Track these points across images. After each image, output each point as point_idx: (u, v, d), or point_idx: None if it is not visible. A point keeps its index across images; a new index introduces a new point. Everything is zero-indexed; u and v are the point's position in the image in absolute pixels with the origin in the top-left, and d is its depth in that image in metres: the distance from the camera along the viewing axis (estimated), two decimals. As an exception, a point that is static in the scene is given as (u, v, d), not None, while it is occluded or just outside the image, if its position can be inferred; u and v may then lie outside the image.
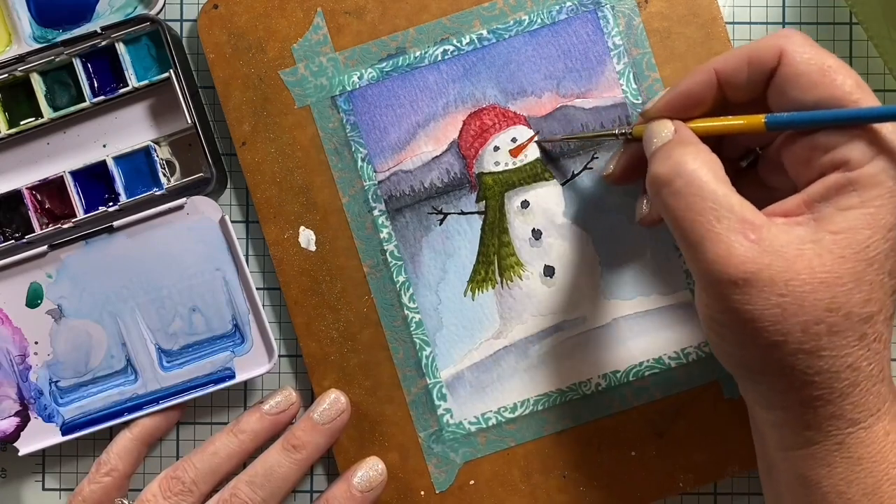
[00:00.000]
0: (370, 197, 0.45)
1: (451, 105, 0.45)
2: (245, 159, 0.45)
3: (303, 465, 0.44)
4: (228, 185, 0.47)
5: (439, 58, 0.45)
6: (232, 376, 0.45)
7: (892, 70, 0.44)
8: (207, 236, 0.45)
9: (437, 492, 0.45)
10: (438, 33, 0.45)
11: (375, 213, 0.45)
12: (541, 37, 0.45)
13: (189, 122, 0.45)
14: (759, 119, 0.36)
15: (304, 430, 0.44)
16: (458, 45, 0.45)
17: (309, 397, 0.47)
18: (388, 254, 0.45)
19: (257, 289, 0.46)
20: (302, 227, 0.46)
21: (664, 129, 0.38)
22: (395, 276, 0.45)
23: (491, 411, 0.45)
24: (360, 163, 0.45)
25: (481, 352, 0.45)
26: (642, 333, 0.45)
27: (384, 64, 0.45)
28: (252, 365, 0.45)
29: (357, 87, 0.45)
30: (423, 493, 0.45)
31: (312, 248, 0.46)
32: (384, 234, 0.45)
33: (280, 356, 0.47)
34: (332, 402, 0.45)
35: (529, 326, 0.45)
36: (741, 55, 0.37)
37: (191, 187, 0.46)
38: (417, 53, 0.45)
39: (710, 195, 0.34)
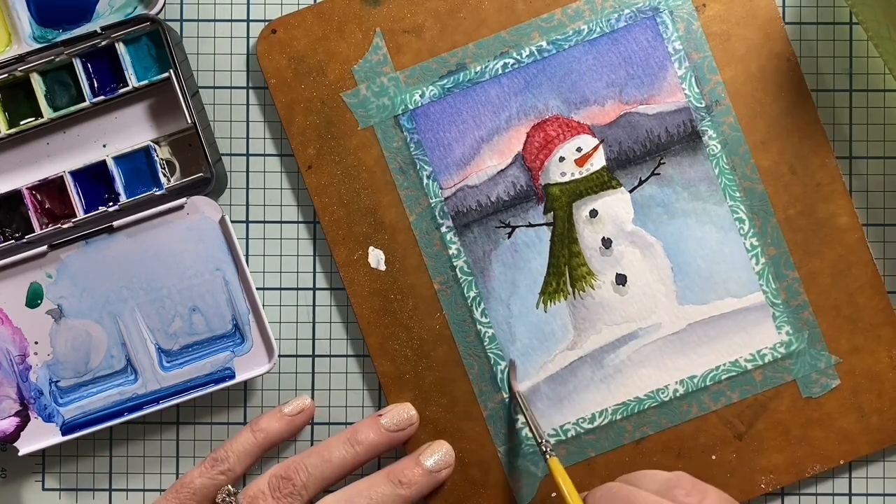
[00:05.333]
0: (437, 214, 0.45)
1: (513, 118, 0.46)
2: (312, 183, 0.45)
3: (406, 502, 0.43)
4: (228, 185, 0.47)
5: (500, 71, 0.45)
6: (232, 376, 0.45)
7: (892, 70, 0.44)
8: (207, 236, 0.45)
9: (519, 506, 0.45)
10: (498, 47, 0.45)
11: (443, 229, 0.45)
12: (601, 45, 0.45)
13: (189, 122, 0.44)
14: None
15: (416, 473, 0.44)
16: (518, 57, 0.45)
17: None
18: (457, 269, 0.45)
19: (257, 289, 0.46)
20: (371, 248, 0.46)
21: None
22: (465, 291, 0.45)
23: (569, 423, 0.45)
24: (425, 180, 0.45)
25: (556, 364, 0.45)
26: (717, 337, 0.45)
27: (445, 81, 0.45)
28: (252, 365, 0.45)
29: (419, 105, 0.45)
30: (505, 507, 0.45)
31: (382, 267, 0.46)
32: (453, 249, 0.45)
33: (280, 356, 0.47)
34: (444, 454, 0.45)
35: (604, 336, 0.45)
36: None
37: (191, 187, 0.46)
38: (478, 68, 0.45)
39: None
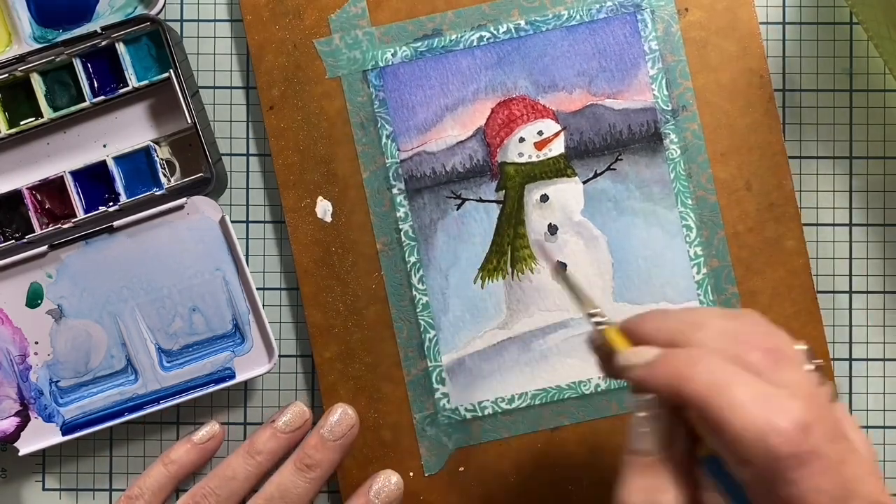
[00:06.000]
0: (391, 175, 0.45)
1: (481, 91, 0.45)
2: (271, 124, 0.45)
3: (317, 483, 0.44)
4: (228, 185, 0.47)
5: (474, 43, 0.45)
6: (232, 376, 0.45)
7: (892, 70, 0.44)
8: (207, 236, 0.45)
9: (425, 474, 0.45)
10: (477, 19, 0.45)
11: (394, 191, 0.45)
12: (578, 33, 0.45)
13: (189, 122, 0.44)
14: None
15: (316, 447, 0.44)
16: (495, 32, 0.45)
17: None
18: (402, 233, 0.45)
19: (257, 289, 0.46)
20: (320, 198, 0.46)
21: None
22: (406, 255, 0.45)
23: (488, 400, 0.45)
24: (384, 139, 0.45)
25: (484, 340, 0.45)
26: (647, 339, 0.45)
27: (419, 44, 0.45)
28: (252, 365, 0.45)
29: (390, 63, 0.45)
30: (411, 474, 0.45)
31: (328, 219, 0.46)
32: (401, 213, 0.45)
33: (280, 356, 0.47)
34: (341, 416, 0.45)
35: (535, 320, 0.45)
36: None
37: (191, 187, 0.46)
38: (453, 37, 0.45)
39: None
